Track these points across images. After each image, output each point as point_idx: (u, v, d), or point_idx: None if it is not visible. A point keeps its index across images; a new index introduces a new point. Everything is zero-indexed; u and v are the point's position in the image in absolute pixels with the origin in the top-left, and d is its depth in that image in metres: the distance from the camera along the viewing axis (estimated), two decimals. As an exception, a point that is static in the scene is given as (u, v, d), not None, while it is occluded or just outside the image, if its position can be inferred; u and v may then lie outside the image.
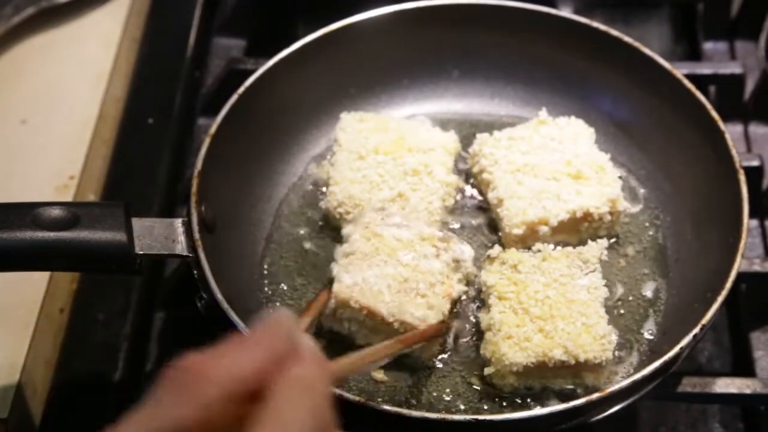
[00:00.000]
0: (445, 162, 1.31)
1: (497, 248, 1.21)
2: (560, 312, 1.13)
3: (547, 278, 1.16)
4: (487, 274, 1.19)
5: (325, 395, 0.72)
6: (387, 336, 1.11)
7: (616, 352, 1.17)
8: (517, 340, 1.11)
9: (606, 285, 1.18)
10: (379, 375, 1.16)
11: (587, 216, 1.25)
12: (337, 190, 1.27)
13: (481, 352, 1.15)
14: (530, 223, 1.24)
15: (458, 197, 1.33)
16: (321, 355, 0.76)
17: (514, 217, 1.24)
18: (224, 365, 0.69)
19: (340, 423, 0.74)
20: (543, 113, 1.34)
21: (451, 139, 1.34)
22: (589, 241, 1.22)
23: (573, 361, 1.10)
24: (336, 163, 1.30)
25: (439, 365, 1.17)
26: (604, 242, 1.21)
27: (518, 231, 1.24)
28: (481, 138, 1.33)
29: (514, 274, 1.17)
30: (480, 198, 1.33)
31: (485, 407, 1.14)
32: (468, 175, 1.35)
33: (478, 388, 1.15)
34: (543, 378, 1.13)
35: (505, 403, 1.14)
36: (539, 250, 1.20)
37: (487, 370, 1.14)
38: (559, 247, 1.22)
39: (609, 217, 1.25)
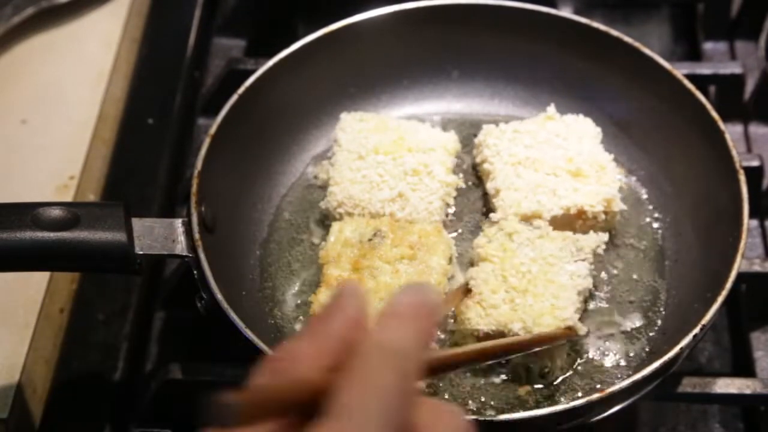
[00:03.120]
0: (445, 162, 1.31)
1: (500, 214, 1.22)
2: (536, 288, 1.14)
3: (536, 254, 1.17)
4: (482, 236, 1.21)
5: (406, 353, 0.71)
6: None
7: (616, 355, 1.18)
8: (485, 305, 1.13)
9: (606, 285, 1.18)
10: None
11: (581, 213, 1.25)
12: (337, 190, 1.27)
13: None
14: (523, 215, 1.24)
15: (461, 188, 1.34)
16: (408, 312, 0.74)
17: (508, 208, 1.25)
18: (308, 346, 0.72)
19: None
20: (551, 109, 1.34)
21: (451, 139, 1.34)
22: (591, 232, 1.22)
23: (528, 337, 1.10)
24: (336, 163, 1.30)
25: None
26: (604, 236, 1.21)
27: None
28: (487, 129, 1.34)
29: (507, 241, 1.19)
30: (481, 188, 1.34)
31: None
32: (468, 174, 1.36)
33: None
34: None
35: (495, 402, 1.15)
36: (539, 227, 1.20)
37: (452, 327, 1.17)
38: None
39: (603, 216, 1.26)
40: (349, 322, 0.73)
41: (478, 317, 1.13)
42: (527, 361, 1.14)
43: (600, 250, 1.21)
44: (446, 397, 1.14)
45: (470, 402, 1.14)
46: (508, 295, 1.14)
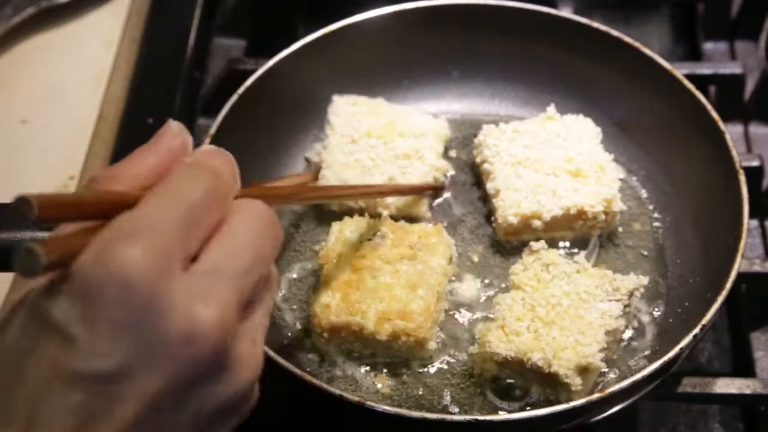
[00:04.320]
0: (436, 147, 1.33)
1: (541, 243, 1.21)
2: (563, 322, 1.12)
3: (570, 288, 1.15)
4: (519, 263, 1.20)
5: (217, 174, 0.78)
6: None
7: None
8: (508, 330, 1.12)
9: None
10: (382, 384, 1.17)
11: (581, 214, 1.25)
12: (330, 174, 1.28)
13: (477, 329, 1.19)
14: (523, 215, 1.24)
15: (461, 188, 1.34)
16: (222, 151, 0.82)
17: (508, 208, 1.25)
18: (127, 168, 0.79)
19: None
20: (551, 109, 1.34)
21: (441, 126, 1.35)
22: (632, 274, 1.20)
23: (547, 370, 1.09)
24: (329, 146, 1.31)
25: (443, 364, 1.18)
26: (643, 279, 1.18)
27: (511, 222, 1.24)
28: (487, 129, 1.34)
29: (542, 272, 1.17)
30: (481, 188, 1.34)
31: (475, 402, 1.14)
32: (468, 174, 1.36)
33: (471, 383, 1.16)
34: (522, 377, 1.14)
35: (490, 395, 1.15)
36: (578, 262, 1.19)
37: (472, 349, 1.16)
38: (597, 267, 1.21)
39: (603, 217, 1.26)
40: (168, 152, 0.80)
41: (498, 341, 1.11)
42: (548, 394, 1.13)
43: (637, 293, 1.19)
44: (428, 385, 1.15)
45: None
46: (534, 324, 1.12)
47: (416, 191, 1.28)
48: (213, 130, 1.25)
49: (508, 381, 1.15)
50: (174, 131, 0.82)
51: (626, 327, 1.18)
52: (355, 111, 1.33)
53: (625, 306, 1.16)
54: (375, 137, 1.31)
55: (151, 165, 0.79)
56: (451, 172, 1.36)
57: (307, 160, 1.37)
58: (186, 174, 0.76)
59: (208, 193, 0.75)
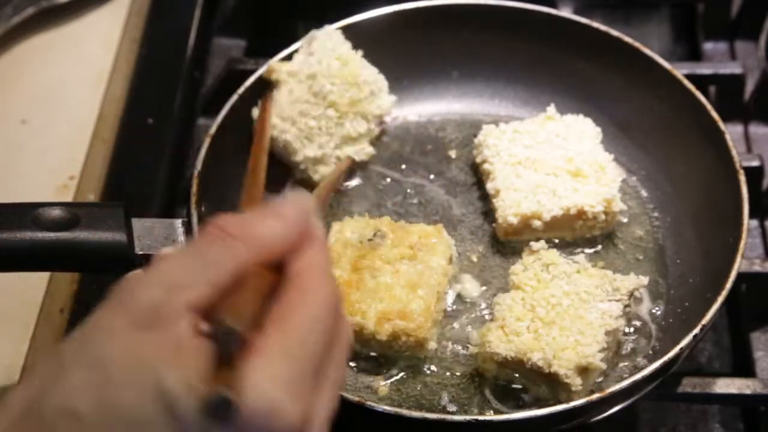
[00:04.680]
0: (373, 132, 1.36)
1: (541, 243, 1.21)
2: (563, 322, 1.12)
3: (570, 288, 1.15)
4: (519, 264, 1.20)
5: (335, 280, 0.79)
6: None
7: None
8: (508, 330, 1.12)
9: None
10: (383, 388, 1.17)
11: (581, 214, 1.25)
12: (278, 124, 1.28)
13: (476, 329, 1.19)
14: (523, 215, 1.24)
15: (461, 188, 1.35)
16: (324, 239, 0.82)
17: (508, 208, 1.25)
18: (256, 232, 0.77)
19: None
20: (551, 109, 1.34)
21: (387, 104, 1.37)
22: (632, 274, 1.20)
23: (547, 370, 1.09)
24: (294, 93, 1.30)
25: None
26: (643, 279, 1.18)
27: (511, 222, 1.24)
28: (487, 129, 1.34)
29: (542, 272, 1.17)
30: (481, 188, 1.34)
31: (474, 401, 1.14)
32: (468, 174, 1.36)
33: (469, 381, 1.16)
34: (522, 377, 1.14)
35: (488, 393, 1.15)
36: (578, 262, 1.19)
37: (472, 349, 1.16)
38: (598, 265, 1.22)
39: (603, 217, 1.26)
40: (299, 236, 0.78)
41: (498, 341, 1.11)
42: (548, 394, 1.13)
43: (638, 294, 1.19)
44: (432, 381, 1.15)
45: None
46: (534, 324, 1.12)
47: (339, 176, 1.30)
48: (213, 130, 1.25)
49: (508, 381, 1.15)
50: (311, 218, 0.80)
51: (626, 327, 1.18)
52: (338, 72, 1.31)
53: (625, 306, 1.15)
54: (335, 109, 1.31)
55: (278, 239, 0.77)
56: (373, 152, 1.36)
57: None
58: (322, 304, 0.76)
59: (335, 322, 0.77)
